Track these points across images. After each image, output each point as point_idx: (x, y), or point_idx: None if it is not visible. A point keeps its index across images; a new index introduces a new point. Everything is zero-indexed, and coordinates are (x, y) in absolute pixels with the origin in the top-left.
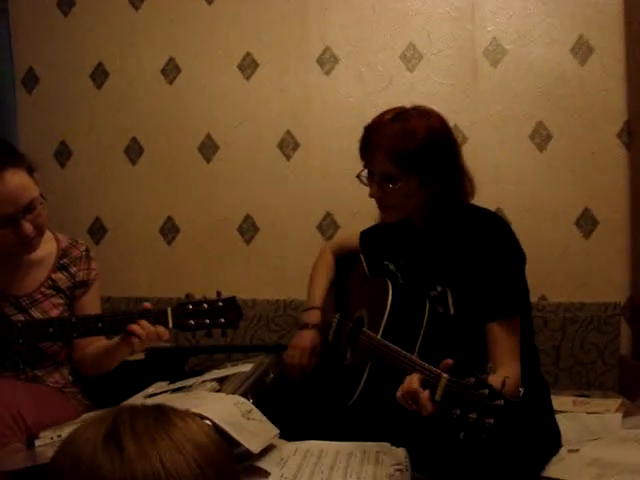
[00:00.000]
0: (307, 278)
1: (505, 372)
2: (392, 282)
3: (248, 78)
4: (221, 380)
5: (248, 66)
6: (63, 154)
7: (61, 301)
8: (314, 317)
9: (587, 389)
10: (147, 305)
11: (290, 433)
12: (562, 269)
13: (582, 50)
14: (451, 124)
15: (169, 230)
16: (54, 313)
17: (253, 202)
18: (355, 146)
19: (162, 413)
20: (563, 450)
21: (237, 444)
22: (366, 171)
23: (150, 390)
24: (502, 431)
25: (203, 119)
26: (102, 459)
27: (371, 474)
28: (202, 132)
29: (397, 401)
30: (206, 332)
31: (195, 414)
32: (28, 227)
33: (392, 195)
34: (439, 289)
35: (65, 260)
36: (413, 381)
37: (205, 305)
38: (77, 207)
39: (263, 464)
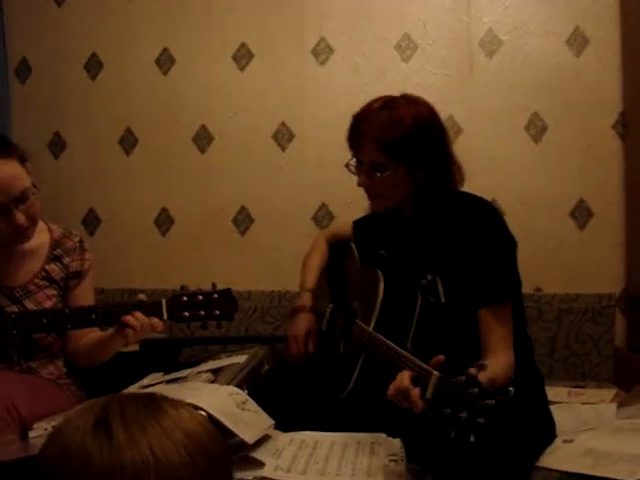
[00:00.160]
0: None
1: (498, 360)
2: (384, 273)
3: (243, 69)
4: (216, 371)
5: (243, 57)
6: (57, 145)
7: (55, 292)
8: (307, 299)
9: (582, 380)
10: (141, 297)
11: (285, 424)
12: (557, 260)
13: (578, 41)
14: (446, 115)
15: (164, 221)
16: (48, 304)
17: (248, 193)
18: None
19: (153, 401)
20: (558, 440)
21: (232, 435)
22: (355, 160)
23: (145, 381)
24: (493, 430)
25: (198, 110)
26: (91, 446)
27: (366, 465)
28: (197, 123)
29: (388, 398)
30: (201, 324)
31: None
32: (21, 217)
33: (380, 184)
34: (429, 277)
35: (58, 251)
36: (404, 378)
37: (200, 297)
38: (71, 198)
39: (258, 455)
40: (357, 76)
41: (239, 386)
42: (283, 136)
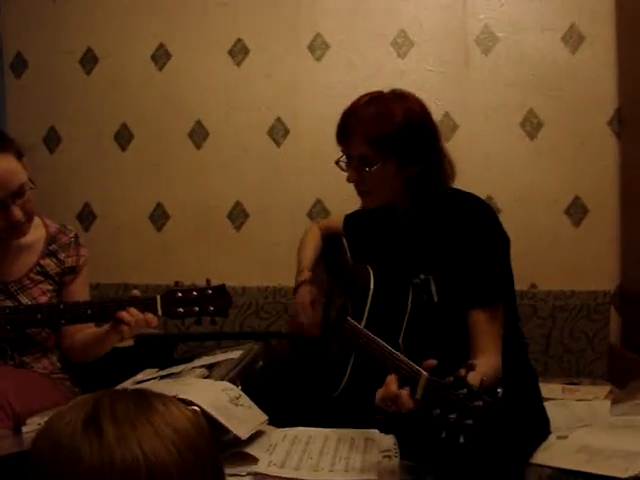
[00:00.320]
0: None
1: (488, 360)
2: (374, 270)
3: (239, 64)
4: (210, 367)
5: (239, 52)
6: (52, 140)
7: (50, 287)
8: (306, 275)
9: (576, 377)
10: (136, 292)
11: (279, 420)
12: (552, 257)
13: (573, 38)
14: (442, 111)
15: (159, 217)
16: (42, 299)
17: (243, 189)
18: None
19: (143, 398)
20: (552, 437)
21: (225, 430)
22: (345, 157)
23: (139, 377)
24: (483, 430)
25: (193, 105)
26: (81, 443)
27: (360, 461)
28: (192, 118)
29: (376, 403)
30: (195, 320)
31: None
32: (18, 212)
33: (370, 179)
34: (422, 277)
35: (54, 246)
36: (391, 383)
37: (194, 293)
38: (66, 193)
39: (252, 450)
40: (353, 72)
41: (233, 382)
42: (278, 132)
